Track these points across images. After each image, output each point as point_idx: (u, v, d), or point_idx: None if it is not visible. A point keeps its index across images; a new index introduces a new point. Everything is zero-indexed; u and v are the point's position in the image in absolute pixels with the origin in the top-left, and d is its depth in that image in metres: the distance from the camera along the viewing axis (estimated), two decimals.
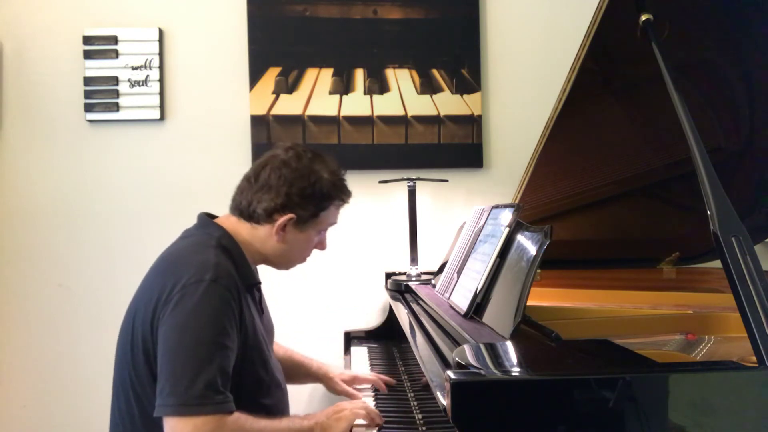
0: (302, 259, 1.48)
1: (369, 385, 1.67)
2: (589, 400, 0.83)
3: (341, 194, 1.42)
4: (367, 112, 2.47)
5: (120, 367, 1.33)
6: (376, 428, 1.33)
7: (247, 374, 1.31)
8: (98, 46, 2.40)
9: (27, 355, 2.40)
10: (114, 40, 2.41)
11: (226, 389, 1.20)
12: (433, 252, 2.34)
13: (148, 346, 1.25)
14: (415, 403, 1.47)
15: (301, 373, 1.69)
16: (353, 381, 1.67)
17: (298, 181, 1.36)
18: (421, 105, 2.48)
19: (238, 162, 2.41)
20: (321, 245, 1.49)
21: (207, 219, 1.42)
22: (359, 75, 2.47)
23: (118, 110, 2.41)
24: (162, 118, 2.44)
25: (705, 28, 1.49)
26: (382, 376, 1.67)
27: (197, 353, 1.19)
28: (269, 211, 1.35)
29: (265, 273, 1.52)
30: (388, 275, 2.26)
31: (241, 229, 1.39)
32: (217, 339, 1.21)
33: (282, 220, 1.35)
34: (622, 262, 2.01)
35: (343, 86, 2.46)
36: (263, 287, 1.51)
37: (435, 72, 2.49)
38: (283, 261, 1.46)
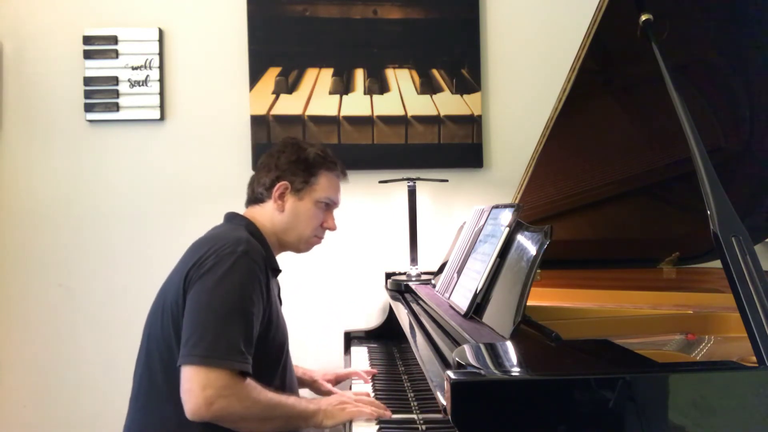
0: (311, 233, 1.56)
1: (368, 384, 1.70)
2: (589, 400, 0.83)
3: (328, 163, 1.56)
4: (367, 112, 2.47)
5: (147, 340, 1.41)
6: (376, 424, 1.33)
7: (268, 347, 1.38)
8: (98, 46, 2.40)
9: (27, 355, 2.40)
10: (114, 40, 2.41)
11: (248, 352, 1.28)
12: (433, 252, 2.34)
13: (178, 310, 1.33)
14: (415, 403, 1.47)
15: None
16: (336, 379, 1.80)
17: (285, 154, 1.55)
18: (421, 105, 2.48)
19: (238, 162, 2.42)
20: (328, 223, 1.58)
21: (234, 213, 1.56)
22: (359, 75, 2.47)
23: (118, 110, 2.41)
24: (162, 118, 2.44)
25: (705, 28, 1.49)
26: (360, 371, 1.77)
27: (224, 314, 1.27)
28: (267, 186, 1.53)
29: None
30: (388, 275, 2.26)
31: (257, 215, 1.54)
32: (243, 305, 1.30)
33: (278, 186, 1.52)
34: (622, 262, 2.01)
35: (343, 86, 2.46)
36: None
37: (435, 72, 2.49)
38: (294, 235, 1.55)
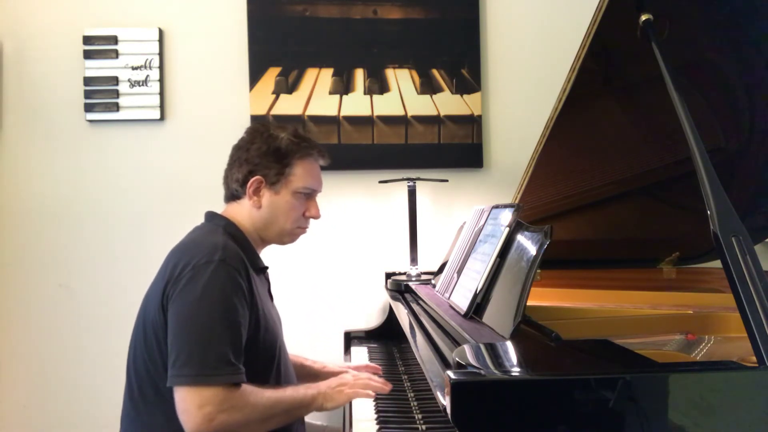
0: (292, 226, 1.48)
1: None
2: (589, 400, 0.83)
3: (302, 149, 1.46)
4: (367, 112, 2.47)
5: (134, 351, 1.38)
6: (377, 423, 1.33)
7: (258, 351, 1.35)
8: (98, 46, 2.40)
9: (27, 355, 2.40)
10: (114, 40, 2.41)
11: (238, 361, 1.25)
12: (433, 252, 2.34)
13: (158, 325, 1.30)
14: (415, 403, 1.47)
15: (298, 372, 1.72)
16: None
17: (255, 145, 1.45)
18: (421, 105, 2.48)
19: None
20: (311, 212, 1.50)
21: (213, 213, 1.49)
22: (359, 75, 2.47)
23: (118, 110, 2.41)
24: (162, 118, 2.44)
25: (705, 28, 1.49)
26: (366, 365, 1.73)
27: (209, 328, 1.24)
28: (241, 181, 1.44)
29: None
30: (388, 275, 2.26)
31: (235, 213, 1.47)
32: (227, 315, 1.26)
33: (251, 182, 1.43)
34: (622, 262, 2.01)
35: (343, 86, 2.46)
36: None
37: (435, 72, 2.49)
38: (275, 230, 1.47)
